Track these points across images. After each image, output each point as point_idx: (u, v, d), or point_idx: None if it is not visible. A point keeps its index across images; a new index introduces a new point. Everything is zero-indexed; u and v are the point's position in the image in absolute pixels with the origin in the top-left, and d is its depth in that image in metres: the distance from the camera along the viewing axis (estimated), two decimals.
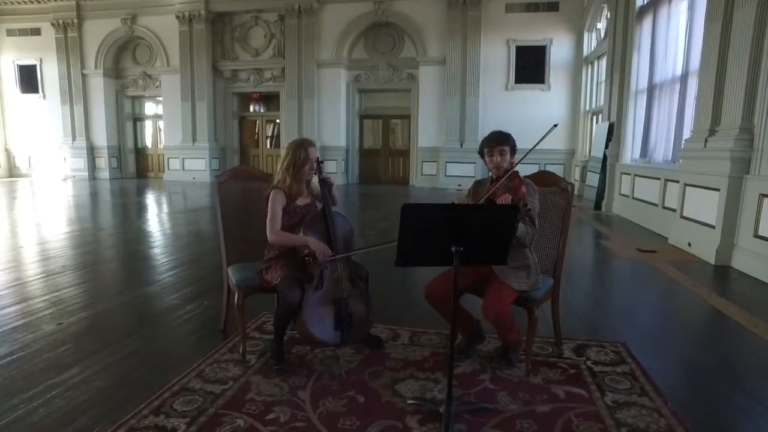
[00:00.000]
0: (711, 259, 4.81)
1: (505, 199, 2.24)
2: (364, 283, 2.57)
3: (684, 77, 6.37)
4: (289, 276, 2.37)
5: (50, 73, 15.33)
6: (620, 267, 4.94)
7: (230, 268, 2.75)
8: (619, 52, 8.71)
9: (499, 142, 2.46)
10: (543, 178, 2.74)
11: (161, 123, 15.51)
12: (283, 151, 2.56)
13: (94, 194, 11.44)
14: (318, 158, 2.55)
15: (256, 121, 15.51)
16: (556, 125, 2.51)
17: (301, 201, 2.55)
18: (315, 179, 2.58)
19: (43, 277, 4.08)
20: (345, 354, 2.56)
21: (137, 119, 16.18)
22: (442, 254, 1.90)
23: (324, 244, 2.40)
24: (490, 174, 2.55)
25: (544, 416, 2.04)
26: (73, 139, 15.36)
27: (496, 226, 1.92)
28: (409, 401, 2.13)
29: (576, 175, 11.91)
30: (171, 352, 2.70)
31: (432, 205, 1.90)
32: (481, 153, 2.54)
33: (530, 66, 12.73)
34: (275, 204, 2.47)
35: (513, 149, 2.49)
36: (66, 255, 4.97)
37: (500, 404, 2.13)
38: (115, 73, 15.36)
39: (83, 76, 15.05)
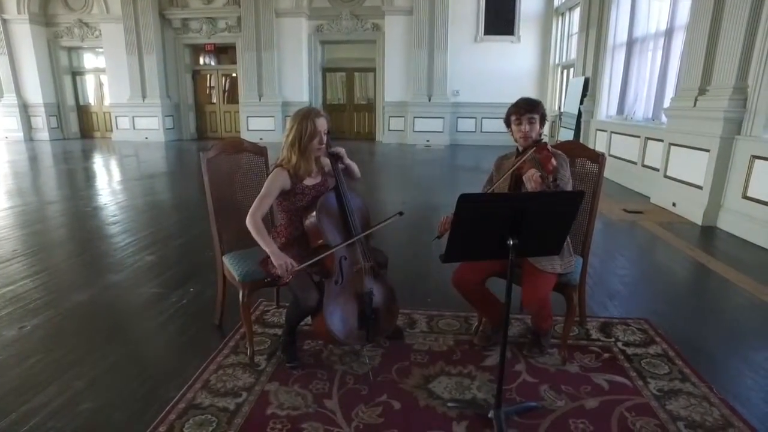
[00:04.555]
0: (698, 220, 4.84)
1: (532, 175, 1.99)
2: (385, 271, 2.30)
3: (668, 32, 6.22)
4: (303, 273, 2.06)
5: None
6: (611, 229, 4.89)
7: (226, 257, 2.40)
8: (596, 3, 8.44)
9: (529, 109, 2.20)
10: (570, 149, 2.52)
11: (104, 77, 14.10)
12: (287, 123, 2.18)
13: (33, 159, 10.34)
14: (328, 131, 2.20)
15: (210, 75, 14.39)
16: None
17: (310, 180, 2.20)
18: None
19: None
20: (365, 348, 2.31)
21: (76, 73, 14.59)
22: (495, 248, 1.66)
23: (288, 257, 1.99)
24: (517, 147, 2.28)
25: (595, 413, 1.90)
26: (0, 95, 13.74)
27: (556, 215, 1.68)
28: (450, 404, 1.94)
29: (545, 130, 11.86)
30: (164, 358, 2.36)
31: (490, 194, 1.63)
32: (507, 122, 2.28)
33: (500, 16, 12.36)
34: (273, 185, 2.12)
35: (543, 118, 2.24)
36: (13, 237, 4.38)
37: (546, 401, 1.98)
38: (44, 20, 13.62)
39: (4, 21, 13.24)
